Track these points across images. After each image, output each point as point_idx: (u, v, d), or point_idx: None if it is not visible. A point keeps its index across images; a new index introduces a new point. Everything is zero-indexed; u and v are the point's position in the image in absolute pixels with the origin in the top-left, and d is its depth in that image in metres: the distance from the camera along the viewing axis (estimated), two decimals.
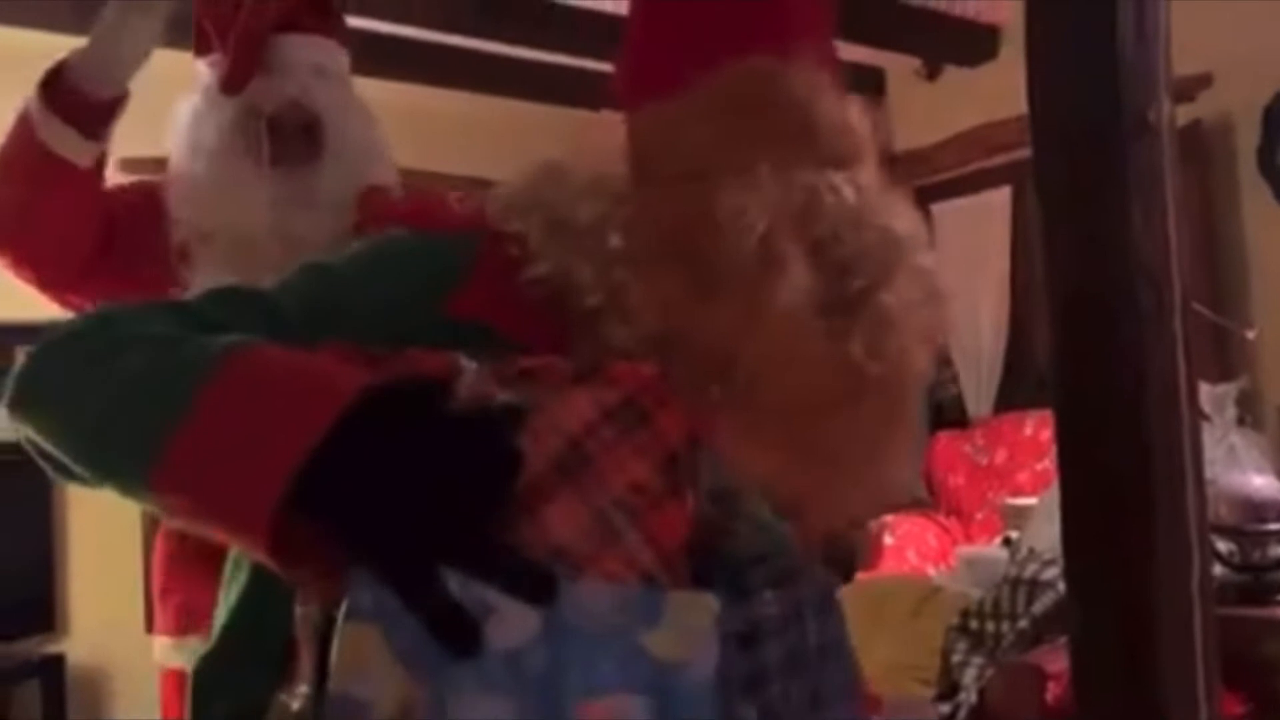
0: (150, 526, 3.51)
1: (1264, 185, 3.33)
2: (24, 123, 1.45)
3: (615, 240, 0.79)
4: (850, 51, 4.04)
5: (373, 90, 1.78)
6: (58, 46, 1.48)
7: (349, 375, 0.69)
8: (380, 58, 3.32)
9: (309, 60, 1.59)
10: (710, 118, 0.80)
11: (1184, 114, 3.43)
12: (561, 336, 0.79)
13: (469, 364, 0.71)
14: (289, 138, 1.55)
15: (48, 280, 1.54)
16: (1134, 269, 1.43)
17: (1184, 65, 3.29)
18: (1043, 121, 1.56)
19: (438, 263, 0.83)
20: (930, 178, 4.22)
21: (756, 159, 0.77)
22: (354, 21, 2.69)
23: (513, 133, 3.35)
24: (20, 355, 0.78)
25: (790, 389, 0.75)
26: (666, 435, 0.71)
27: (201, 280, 1.47)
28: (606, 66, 3.79)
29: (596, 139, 0.91)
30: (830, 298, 0.76)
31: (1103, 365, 1.46)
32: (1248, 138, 3.38)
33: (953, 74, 4.13)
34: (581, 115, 4.29)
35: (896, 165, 4.00)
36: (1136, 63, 1.50)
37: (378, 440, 0.66)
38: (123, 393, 0.71)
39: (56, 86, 1.44)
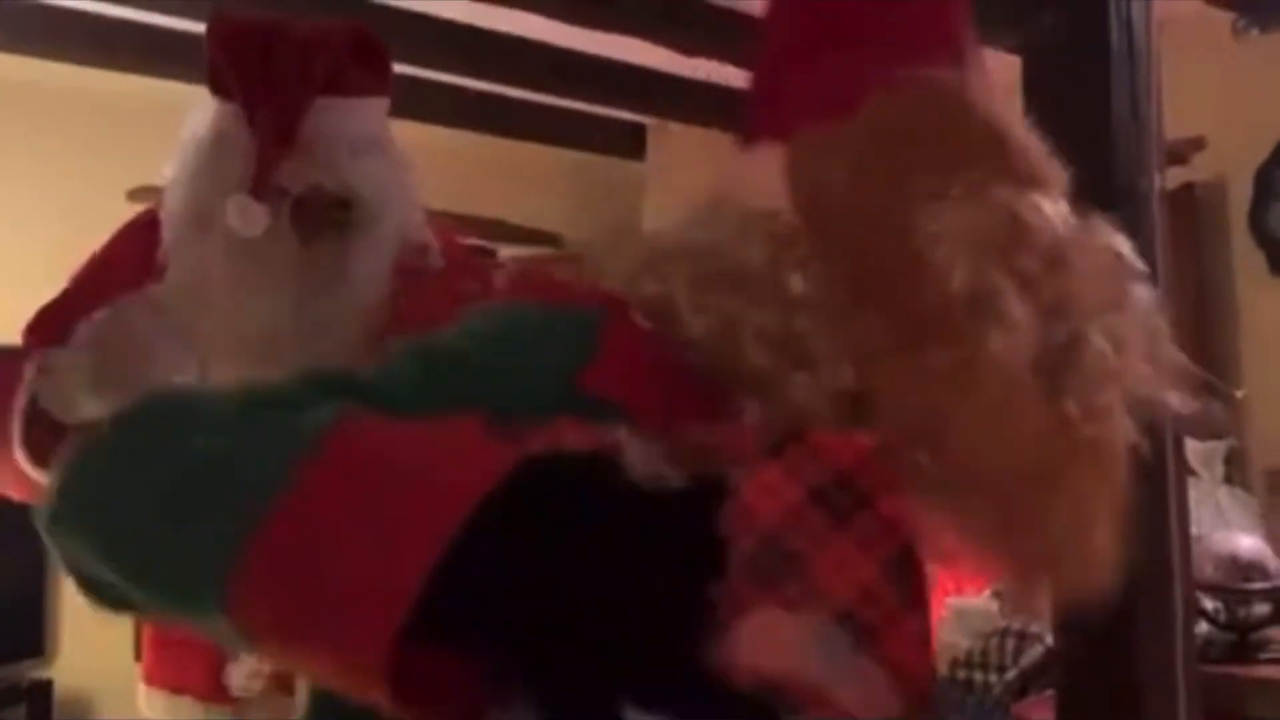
0: None
1: (1255, 247, 3.39)
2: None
3: (795, 284, 0.68)
4: None
5: None
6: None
7: (491, 447, 0.55)
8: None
9: (348, 134, 1.41)
10: (889, 140, 0.70)
11: (1177, 176, 3.50)
12: (716, 411, 0.67)
13: (628, 438, 0.57)
14: (317, 220, 1.39)
15: None
16: None
17: (1177, 128, 3.37)
18: None
19: (565, 332, 0.70)
20: None
21: (948, 182, 0.67)
22: None
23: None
24: None
25: (1000, 455, 0.64)
26: (895, 524, 0.56)
27: (204, 356, 1.36)
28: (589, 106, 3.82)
29: (726, 175, 0.82)
30: (1042, 342, 0.66)
31: None
32: (1240, 200, 3.44)
33: None
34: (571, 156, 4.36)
35: None
36: (1129, 135, 1.55)
37: (538, 530, 0.52)
38: (189, 482, 0.55)
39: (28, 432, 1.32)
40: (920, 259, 0.65)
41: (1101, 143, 1.61)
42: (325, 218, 1.39)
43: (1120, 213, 1.57)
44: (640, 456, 0.55)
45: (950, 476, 0.63)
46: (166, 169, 1.46)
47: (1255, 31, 3.33)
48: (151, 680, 1.48)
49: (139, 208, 1.63)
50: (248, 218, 1.36)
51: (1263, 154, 3.35)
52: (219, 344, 1.36)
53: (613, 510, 0.53)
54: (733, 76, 3.68)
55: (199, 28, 2.96)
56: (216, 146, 1.41)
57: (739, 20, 3.27)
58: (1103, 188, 1.59)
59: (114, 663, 3.49)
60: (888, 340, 0.66)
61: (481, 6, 2.95)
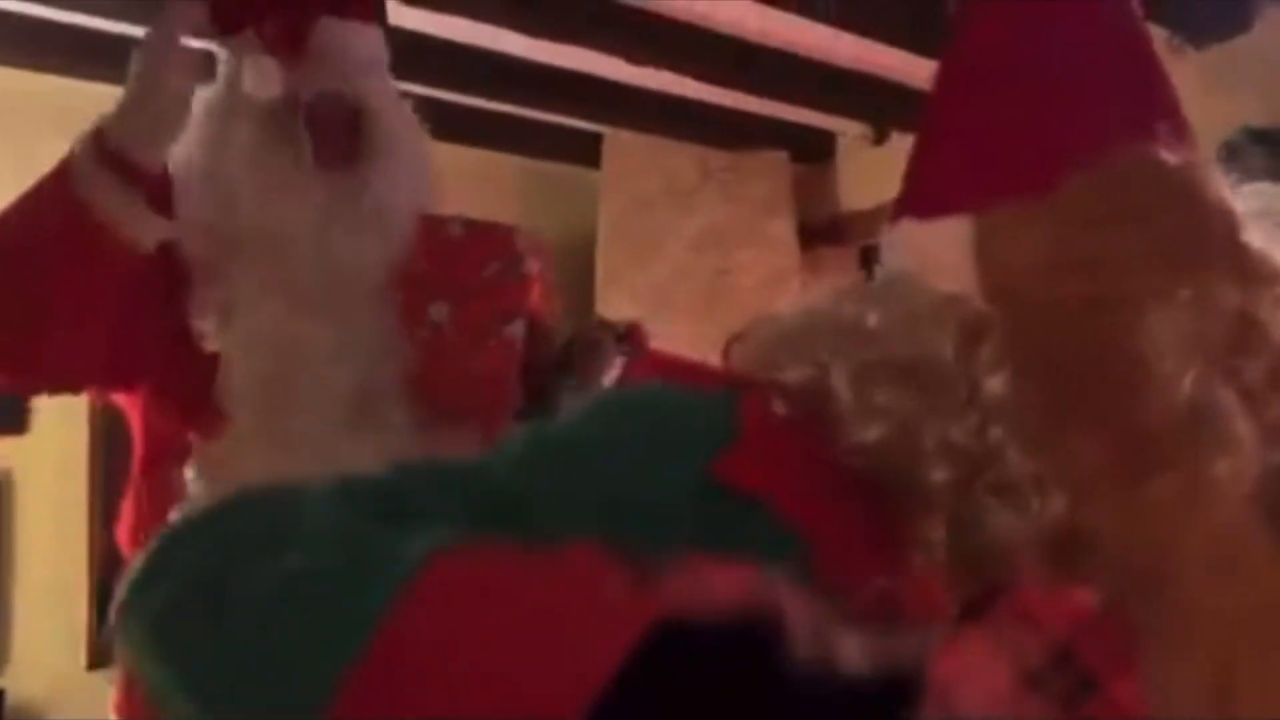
0: (99, 566, 3.50)
1: None
2: (65, 194, 1.22)
3: (990, 386, 0.58)
4: (800, 115, 4.20)
5: None
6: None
7: (622, 600, 0.46)
8: None
9: (356, 52, 1.40)
10: (1100, 222, 0.60)
11: None
12: (883, 532, 0.58)
13: (784, 584, 0.45)
14: (331, 134, 1.37)
15: (61, 387, 1.37)
16: None
17: None
18: None
19: (702, 417, 0.61)
20: (876, 238, 4.38)
21: (1174, 279, 0.57)
22: None
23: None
24: None
25: (1224, 600, 0.54)
26: (1130, 712, 0.46)
27: (226, 299, 1.34)
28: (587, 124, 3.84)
29: (890, 250, 0.69)
30: (1263, 467, 0.56)
31: None
32: None
33: (899, 139, 4.30)
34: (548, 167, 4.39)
35: (843, 226, 4.16)
36: None
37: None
38: (273, 611, 0.48)
39: (107, 157, 1.24)
40: (1143, 369, 0.55)
41: None
42: (337, 135, 1.37)
43: None
44: (804, 623, 0.43)
45: (1168, 630, 0.52)
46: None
47: (1190, 48, 3.44)
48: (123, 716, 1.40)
49: None
50: (263, 75, 1.34)
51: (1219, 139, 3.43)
52: (227, 263, 1.34)
53: (770, 708, 0.42)
54: (682, 86, 3.74)
55: (127, 29, 2.95)
56: (229, 84, 1.39)
57: (690, 31, 3.33)
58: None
59: (67, 672, 3.47)
60: (1104, 462, 0.55)
61: (435, 16, 2.98)
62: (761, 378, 0.63)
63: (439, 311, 1.44)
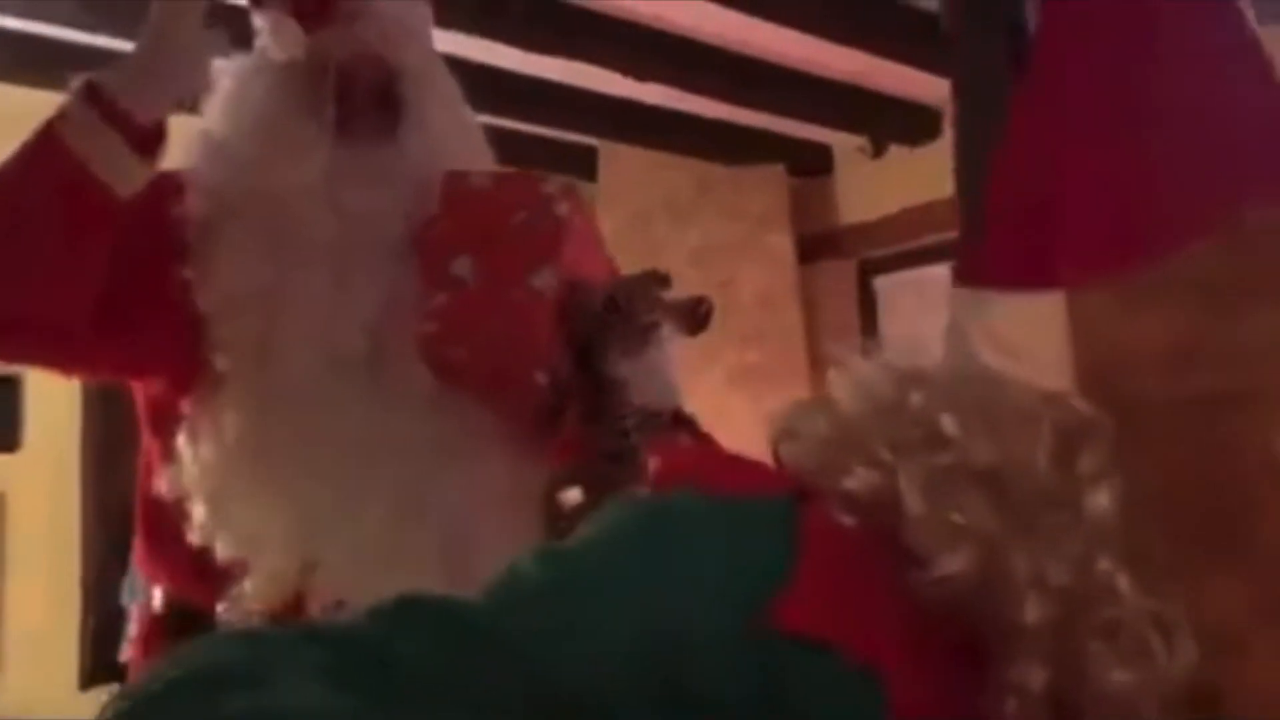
0: (92, 586, 3.48)
1: None
2: (50, 139, 1.18)
3: (1100, 503, 0.47)
4: (798, 129, 4.19)
5: None
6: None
7: None
8: None
9: (392, 11, 1.31)
10: (1230, 304, 0.48)
11: None
12: (964, 670, 0.47)
13: None
14: (361, 102, 1.29)
15: (50, 345, 1.25)
16: None
17: None
18: (968, 220, 1.67)
19: (755, 542, 0.49)
20: (874, 251, 4.37)
21: None
22: None
23: None
24: None
25: None
26: None
27: (219, 255, 1.26)
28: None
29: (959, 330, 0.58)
30: None
31: None
32: None
33: (897, 152, 4.28)
34: None
35: (842, 239, 4.14)
36: None
37: None
38: None
39: (94, 100, 1.19)
40: None
41: None
42: (366, 104, 1.29)
43: None
44: None
45: None
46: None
47: None
48: None
49: None
50: (285, 36, 1.26)
51: None
52: (228, 224, 1.27)
53: None
54: (678, 99, 3.73)
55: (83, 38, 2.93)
56: (256, 60, 1.32)
57: (691, 47, 3.32)
58: None
59: (59, 693, 3.44)
60: (1246, 600, 0.45)
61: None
62: (819, 484, 0.51)
63: (462, 266, 1.29)
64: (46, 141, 1.17)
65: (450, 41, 3.14)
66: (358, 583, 1.16)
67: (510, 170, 1.48)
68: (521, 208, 1.33)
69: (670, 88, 3.56)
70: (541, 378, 1.26)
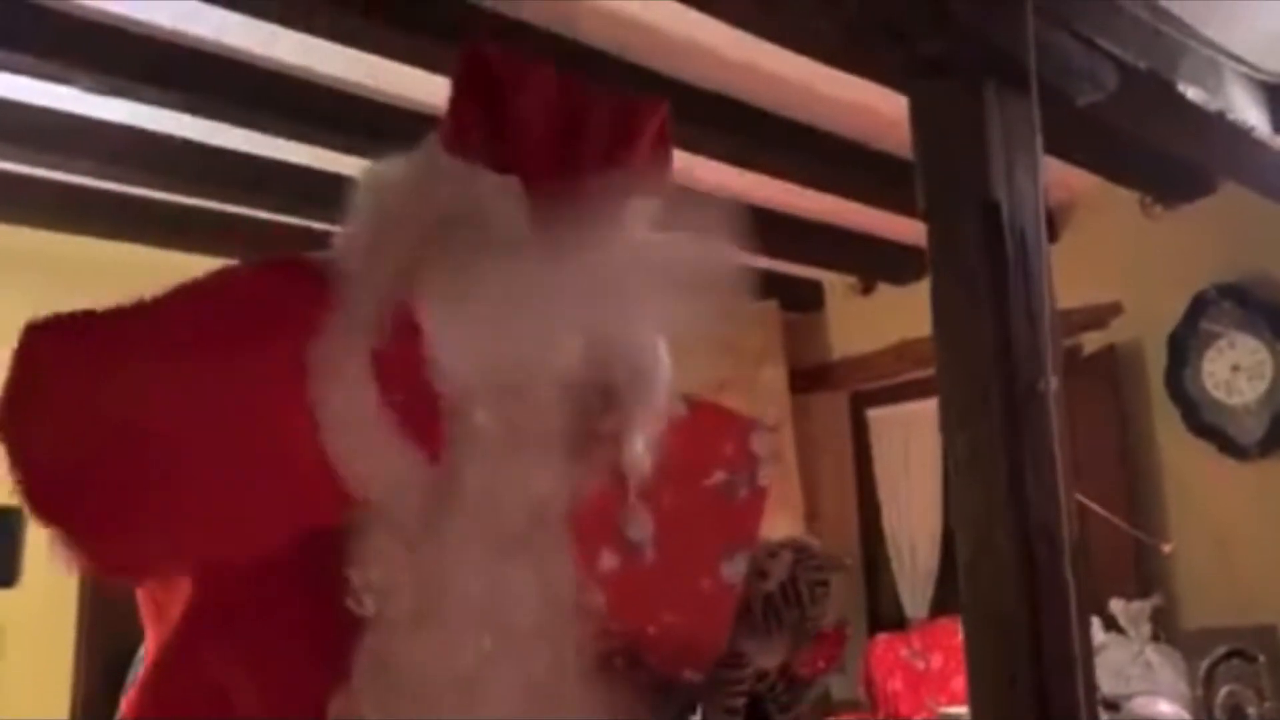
0: (83, 659, 3.45)
1: (1172, 406, 3.56)
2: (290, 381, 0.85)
3: None
4: (791, 268, 4.31)
5: None
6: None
7: None
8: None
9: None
10: None
11: (1098, 340, 3.69)
12: None
13: None
14: None
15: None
16: (1030, 527, 1.59)
17: (1097, 294, 3.52)
18: (949, 394, 1.74)
19: None
20: (865, 384, 4.46)
21: None
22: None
23: None
24: None
25: None
26: None
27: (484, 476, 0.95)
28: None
29: None
30: None
31: (1005, 599, 1.60)
32: (1157, 361, 3.62)
33: (885, 290, 4.40)
34: None
35: (833, 372, 4.21)
36: (1026, 339, 1.69)
37: None
38: None
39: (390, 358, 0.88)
40: None
41: (1002, 351, 1.73)
42: None
43: (1022, 413, 1.70)
44: None
45: None
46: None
47: (1160, 208, 3.57)
48: None
49: None
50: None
51: (1175, 319, 3.55)
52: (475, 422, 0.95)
53: None
54: None
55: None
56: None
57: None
58: (1006, 391, 1.71)
59: None
60: None
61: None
62: None
63: (639, 529, 1.06)
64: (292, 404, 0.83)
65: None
66: None
67: (704, 403, 1.20)
68: (721, 464, 1.10)
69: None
70: (695, 677, 1.11)
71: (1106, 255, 3.63)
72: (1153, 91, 2.03)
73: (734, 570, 1.09)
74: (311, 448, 0.82)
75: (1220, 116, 2.17)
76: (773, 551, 1.21)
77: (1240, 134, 2.26)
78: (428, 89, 2.23)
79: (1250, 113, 2.26)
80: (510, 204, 0.99)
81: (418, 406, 0.86)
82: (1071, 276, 2.60)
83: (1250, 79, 2.26)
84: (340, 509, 0.86)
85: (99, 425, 0.84)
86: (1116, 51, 1.87)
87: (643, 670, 1.07)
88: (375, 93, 2.70)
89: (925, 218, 1.87)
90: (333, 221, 1.01)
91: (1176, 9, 2.02)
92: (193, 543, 0.87)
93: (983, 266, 1.75)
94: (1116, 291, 3.64)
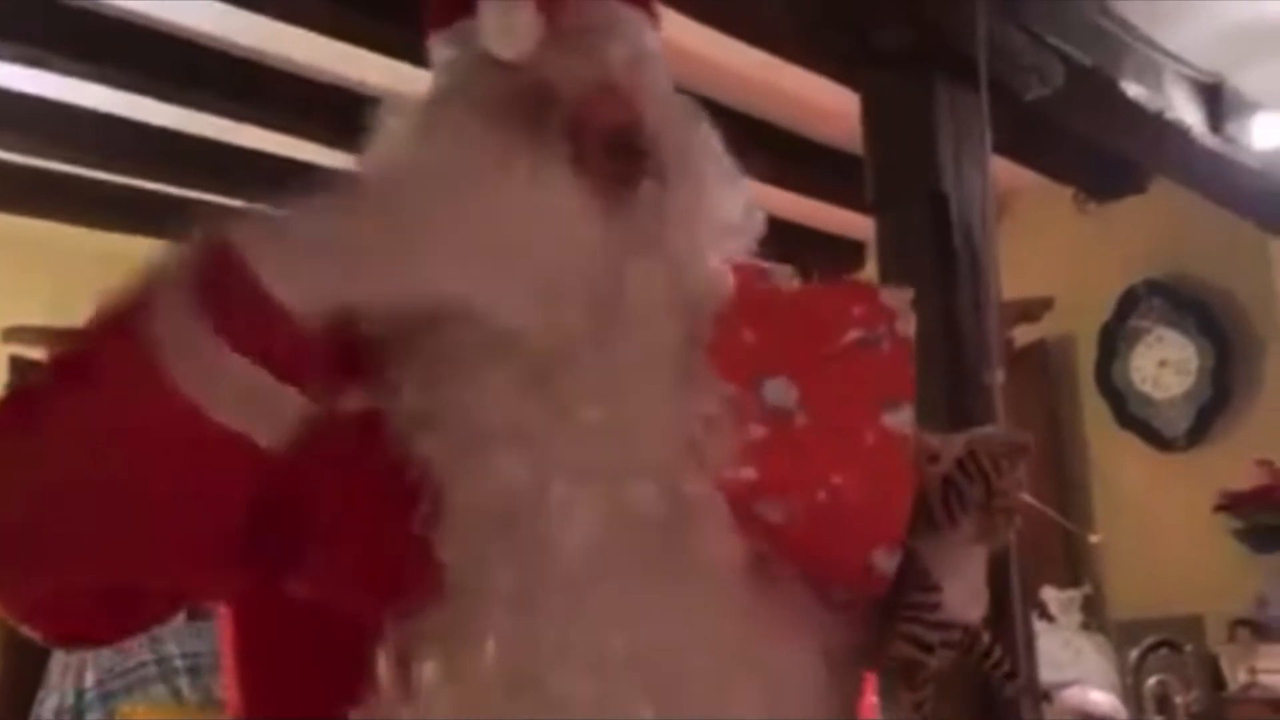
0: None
1: (1102, 400, 3.63)
2: (142, 363, 0.71)
3: None
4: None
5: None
6: None
7: None
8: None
9: (622, 32, 0.94)
10: None
11: (1030, 333, 3.74)
12: None
13: None
14: (592, 145, 0.89)
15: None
16: None
17: (1029, 288, 3.60)
18: None
19: None
20: None
21: None
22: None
23: None
24: None
25: None
26: None
27: (424, 386, 0.83)
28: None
29: None
30: None
31: None
32: (1087, 355, 3.69)
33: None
34: None
35: None
36: (972, 330, 1.70)
37: None
38: None
39: (221, 293, 0.73)
40: None
41: (948, 343, 1.74)
42: (610, 149, 0.90)
43: (967, 403, 1.71)
44: None
45: None
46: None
47: (1093, 204, 3.63)
48: None
49: (13, 349, 1.39)
50: (514, 28, 0.87)
51: (1106, 313, 3.61)
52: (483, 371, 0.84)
53: None
54: None
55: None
56: (450, 93, 0.93)
57: None
58: (952, 383, 1.72)
59: None
60: None
61: None
62: None
63: (781, 391, 0.92)
64: (137, 364, 0.72)
65: None
66: None
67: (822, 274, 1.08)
68: (853, 323, 0.97)
69: None
70: (885, 561, 0.92)
71: (1039, 249, 3.68)
72: (1097, 89, 2.05)
73: (899, 419, 0.94)
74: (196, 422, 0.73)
75: (1159, 115, 2.21)
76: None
77: (1178, 133, 2.30)
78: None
79: (1188, 112, 2.30)
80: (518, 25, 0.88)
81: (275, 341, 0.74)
82: (1004, 270, 2.63)
83: (1189, 79, 2.30)
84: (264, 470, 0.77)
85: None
86: (1064, 48, 1.89)
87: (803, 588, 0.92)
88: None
89: (874, 209, 1.87)
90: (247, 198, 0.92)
91: (1121, 8, 2.04)
92: (118, 569, 0.79)
93: (930, 258, 1.75)
94: (1049, 285, 3.69)
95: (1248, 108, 2.49)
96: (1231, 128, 2.42)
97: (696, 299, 0.91)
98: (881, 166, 1.79)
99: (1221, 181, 2.65)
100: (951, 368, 1.83)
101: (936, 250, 1.78)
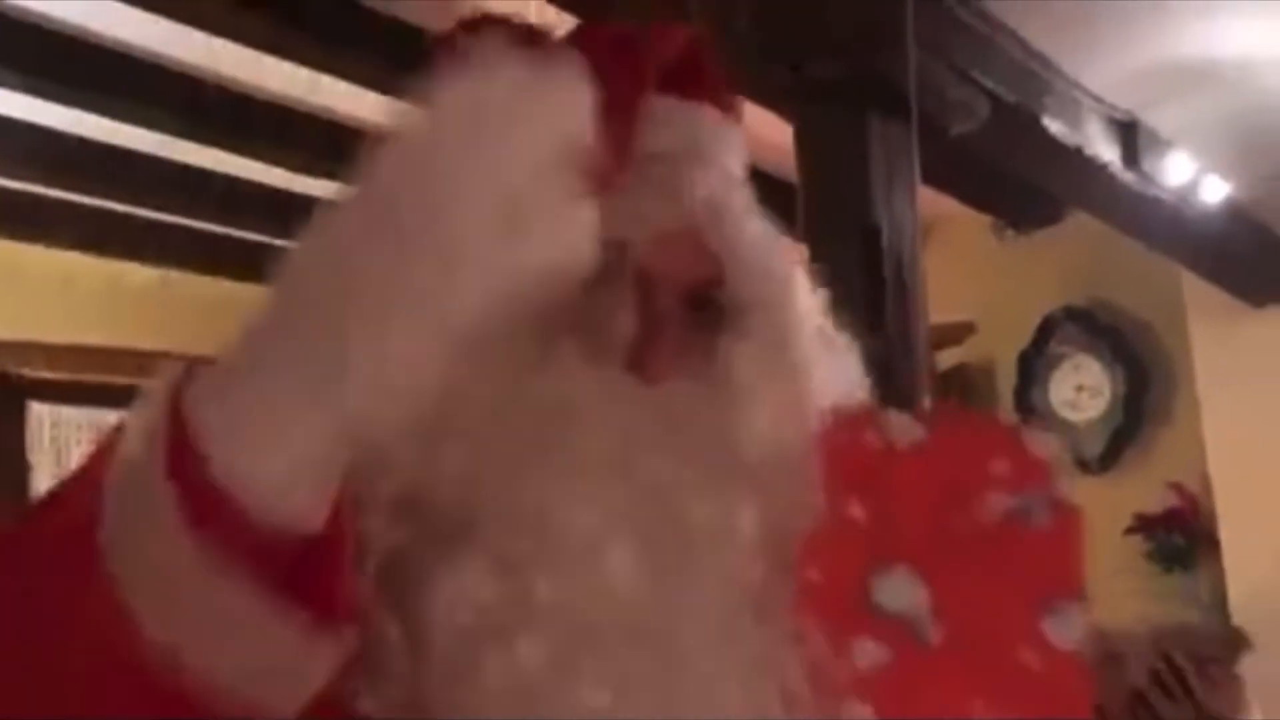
0: None
1: (1021, 423, 3.72)
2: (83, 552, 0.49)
3: None
4: None
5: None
6: None
7: None
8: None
9: (705, 155, 0.75)
10: None
11: (951, 357, 3.83)
12: None
13: None
14: (666, 310, 0.70)
15: None
16: None
17: (951, 312, 3.66)
18: None
19: None
20: None
21: None
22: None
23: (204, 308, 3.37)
24: None
25: None
26: None
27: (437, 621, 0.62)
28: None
29: None
30: None
31: None
32: (1007, 379, 3.78)
33: None
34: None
35: None
36: (903, 360, 1.73)
37: None
38: None
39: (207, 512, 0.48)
40: None
41: (880, 372, 1.76)
42: (682, 291, 0.71)
43: None
44: None
45: None
46: None
47: (1011, 233, 3.73)
48: None
49: None
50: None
51: (1025, 339, 3.71)
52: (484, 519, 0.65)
53: None
54: None
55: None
56: None
57: None
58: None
59: None
60: None
61: None
62: None
63: (899, 590, 0.71)
64: (78, 557, 0.52)
65: None
66: None
67: (948, 411, 0.88)
68: (996, 485, 0.74)
69: None
70: None
71: (960, 276, 3.77)
72: (1019, 124, 2.11)
73: (1065, 627, 0.71)
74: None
75: (1078, 151, 2.28)
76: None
77: (1095, 168, 2.37)
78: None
79: (1104, 148, 2.38)
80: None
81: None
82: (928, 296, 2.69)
83: (1106, 116, 2.38)
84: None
85: None
86: (989, 85, 1.95)
87: None
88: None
89: (805, 240, 1.90)
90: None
91: (1044, 47, 2.11)
92: None
93: (861, 289, 1.78)
94: (970, 311, 3.79)
95: (1161, 145, 2.58)
96: (1146, 164, 2.51)
97: (785, 489, 0.68)
98: (814, 199, 1.82)
99: (1137, 216, 2.74)
100: (883, 397, 1.87)
101: (868, 281, 1.81)
